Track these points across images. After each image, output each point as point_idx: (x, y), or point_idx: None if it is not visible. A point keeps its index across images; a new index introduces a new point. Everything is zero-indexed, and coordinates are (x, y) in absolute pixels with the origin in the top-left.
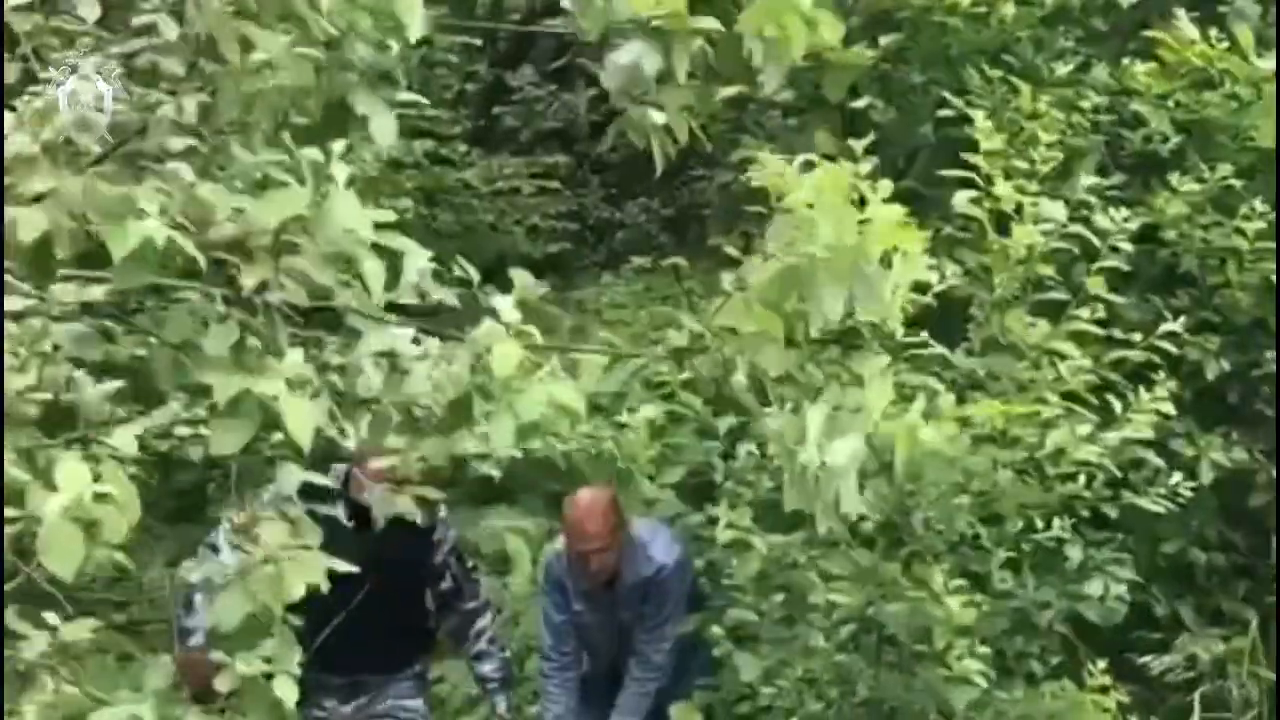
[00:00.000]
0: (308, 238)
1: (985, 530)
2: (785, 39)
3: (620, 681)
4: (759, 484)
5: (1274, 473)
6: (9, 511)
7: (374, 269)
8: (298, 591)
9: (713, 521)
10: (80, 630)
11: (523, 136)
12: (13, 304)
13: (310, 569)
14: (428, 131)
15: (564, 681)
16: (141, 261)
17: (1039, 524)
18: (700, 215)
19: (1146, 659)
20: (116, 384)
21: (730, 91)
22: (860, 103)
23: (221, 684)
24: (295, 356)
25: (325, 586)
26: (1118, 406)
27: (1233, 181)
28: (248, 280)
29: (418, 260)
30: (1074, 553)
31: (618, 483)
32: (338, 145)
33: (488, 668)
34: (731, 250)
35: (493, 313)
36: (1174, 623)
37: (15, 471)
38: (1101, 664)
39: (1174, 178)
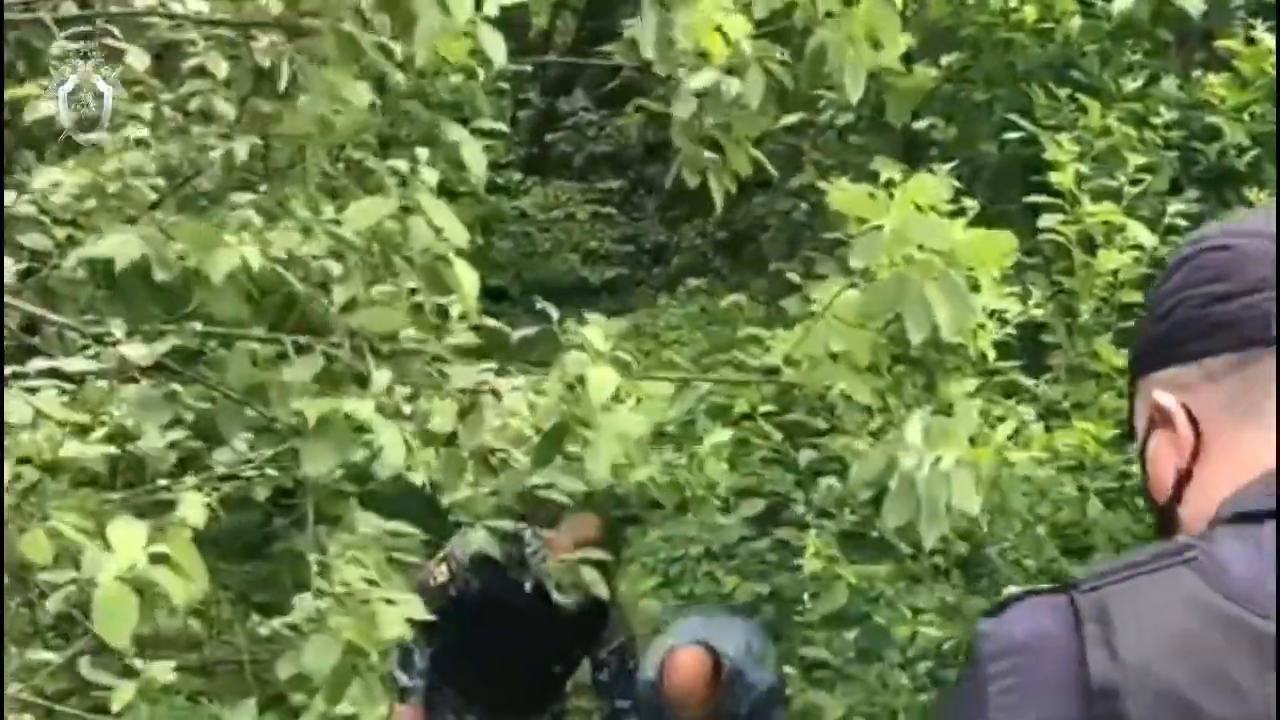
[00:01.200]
0: (394, 251)
1: (1070, 563)
2: (860, 55)
3: None
4: (841, 517)
5: None
6: (67, 574)
7: (467, 274)
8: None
9: (783, 544)
10: (163, 671)
11: (576, 162)
12: (75, 365)
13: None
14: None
15: None
16: (237, 290)
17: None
18: (756, 238)
19: None
20: (180, 434)
21: (792, 118)
22: (922, 123)
23: None
24: (381, 378)
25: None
26: None
27: None
28: (339, 297)
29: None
30: None
31: (692, 509)
32: (423, 152)
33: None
34: (793, 276)
35: (579, 344)
36: None
37: (72, 532)
38: None
39: (1251, 193)
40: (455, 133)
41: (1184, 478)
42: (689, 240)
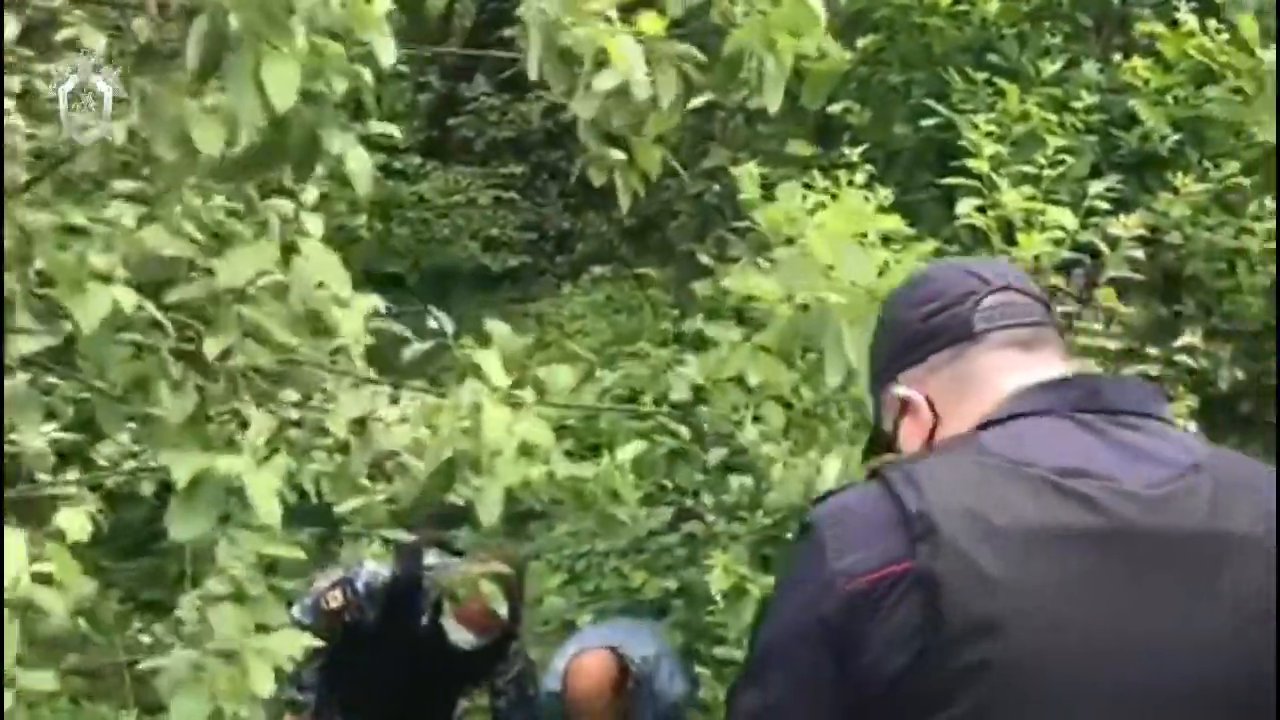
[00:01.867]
0: (275, 300)
1: None
2: (783, 52)
3: None
4: (753, 522)
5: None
6: None
7: (354, 330)
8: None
9: (691, 538)
10: (43, 681)
11: (477, 147)
12: None
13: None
14: (381, 145)
15: None
16: (109, 328)
17: None
18: (663, 224)
19: None
20: (55, 432)
21: (699, 101)
22: (835, 107)
23: None
24: (260, 422)
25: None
26: None
27: (1239, 179)
28: (211, 349)
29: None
30: None
31: (600, 524)
32: (310, 194)
33: None
34: (705, 258)
35: (476, 370)
36: None
37: None
38: None
39: (1176, 177)
40: (339, 143)
41: (927, 445)
42: (594, 227)
